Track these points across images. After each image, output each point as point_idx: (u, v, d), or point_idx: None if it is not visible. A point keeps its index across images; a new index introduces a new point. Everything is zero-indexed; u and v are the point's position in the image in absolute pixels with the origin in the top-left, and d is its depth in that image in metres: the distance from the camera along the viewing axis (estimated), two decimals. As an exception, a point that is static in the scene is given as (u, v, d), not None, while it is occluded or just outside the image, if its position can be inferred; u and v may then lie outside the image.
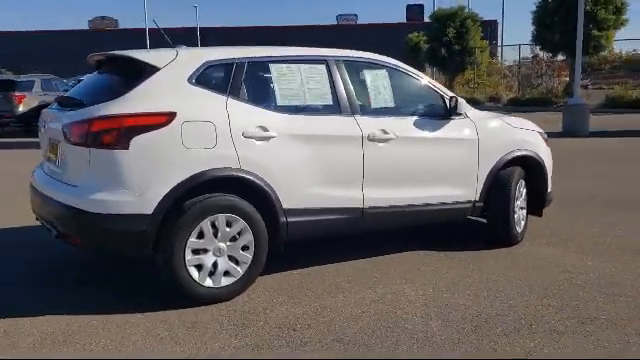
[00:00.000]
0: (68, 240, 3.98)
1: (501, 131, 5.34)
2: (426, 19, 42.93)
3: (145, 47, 40.80)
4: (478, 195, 5.17)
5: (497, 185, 5.21)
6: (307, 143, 4.26)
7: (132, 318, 3.78)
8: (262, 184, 4.06)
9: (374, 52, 5.03)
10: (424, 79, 5.08)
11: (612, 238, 5.59)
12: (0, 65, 43.72)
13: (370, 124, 4.57)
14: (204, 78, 4.07)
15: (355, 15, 68.22)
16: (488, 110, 5.76)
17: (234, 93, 4.11)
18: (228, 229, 3.98)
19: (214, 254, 3.96)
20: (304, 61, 4.49)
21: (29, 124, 17.54)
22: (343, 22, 66.48)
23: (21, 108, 17.28)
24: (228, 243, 4.01)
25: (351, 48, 4.94)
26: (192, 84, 4.01)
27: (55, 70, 25.38)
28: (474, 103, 13.85)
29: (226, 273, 4.02)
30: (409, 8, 66.12)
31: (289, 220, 4.22)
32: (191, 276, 3.88)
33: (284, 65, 4.37)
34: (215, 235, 3.95)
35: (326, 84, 4.48)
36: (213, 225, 3.93)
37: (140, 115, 3.74)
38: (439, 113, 4.96)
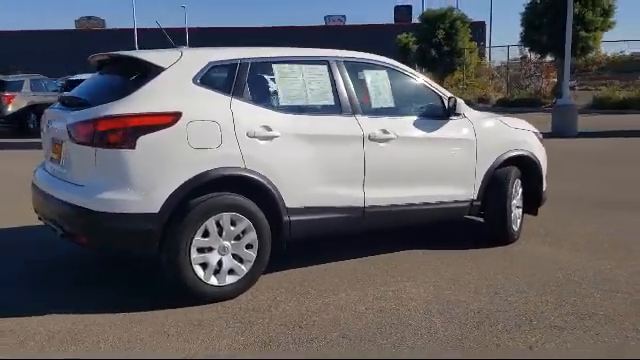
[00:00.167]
0: (73, 239, 4.00)
1: (498, 131, 5.42)
2: (414, 20, 43.14)
3: (133, 47, 40.67)
4: (476, 194, 5.25)
5: (494, 184, 5.30)
6: (309, 143, 4.32)
7: (137, 316, 3.81)
8: (266, 183, 4.11)
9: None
10: (423, 80, 5.15)
11: (605, 237, 5.69)
12: (-13, 65, 43.39)
13: (371, 124, 4.63)
14: (208, 78, 4.11)
15: (343, 16, 68.39)
16: (479, 110, 5.86)
17: (238, 93, 4.16)
18: (232, 228, 4.03)
19: (219, 252, 4.01)
20: (306, 62, 4.54)
21: (19, 124, 17.46)
22: (331, 23, 66.61)
23: (10, 108, 17.19)
24: (232, 242, 4.05)
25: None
26: (197, 84, 4.05)
27: (43, 70, 25.25)
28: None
29: (230, 271, 4.06)
30: (397, 9, 66.46)
31: (292, 219, 4.27)
32: (196, 274, 3.92)
33: (286, 65, 4.42)
34: (220, 234, 3.99)
35: (328, 84, 4.54)
36: (218, 224, 3.97)
37: (146, 115, 3.77)
38: (438, 113, 5.04)
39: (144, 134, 3.74)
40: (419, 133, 4.89)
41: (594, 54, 25.28)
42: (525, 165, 5.58)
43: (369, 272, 4.68)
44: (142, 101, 3.85)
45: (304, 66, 4.49)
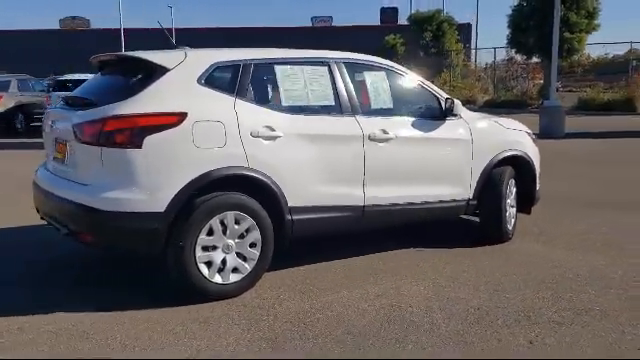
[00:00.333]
0: (78, 238, 4.04)
1: (493, 131, 5.53)
2: (400, 22, 43.32)
3: (120, 47, 40.44)
4: (471, 194, 5.35)
5: (489, 184, 5.40)
6: (311, 143, 4.38)
7: (142, 315, 3.84)
8: (269, 182, 4.17)
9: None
10: (421, 81, 5.24)
11: (597, 235, 5.82)
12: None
13: (370, 124, 4.70)
14: (212, 79, 4.16)
15: (330, 17, 68.41)
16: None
17: (241, 94, 4.21)
18: (236, 226, 4.08)
19: (223, 251, 4.06)
20: (307, 63, 4.61)
21: (6, 124, 17.34)
22: (318, 24, 66.61)
23: (-2, 108, 17.09)
24: (236, 240, 4.10)
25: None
26: (201, 85, 4.10)
27: (28, 70, 25.05)
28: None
29: (234, 269, 4.11)
30: (383, 11, 66.58)
31: (294, 218, 4.33)
32: (201, 273, 3.97)
33: (288, 67, 4.49)
34: (224, 232, 4.04)
35: (328, 85, 4.61)
36: (222, 223, 4.02)
37: (153, 115, 3.82)
38: (435, 114, 5.13)
39: (150, 134, 3.79)
40: (417, 133, 4.98)
41: (579, 56, 25.58)
42: (519, 165, 5.69)
43: (369, 270, 4.76)
44: (148, 101, 3.89)
45: (305, 67, 4.56)
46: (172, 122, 3.85)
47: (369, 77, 4.93)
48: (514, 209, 5.73)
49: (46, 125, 4.57)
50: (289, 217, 4.30)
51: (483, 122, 5.52)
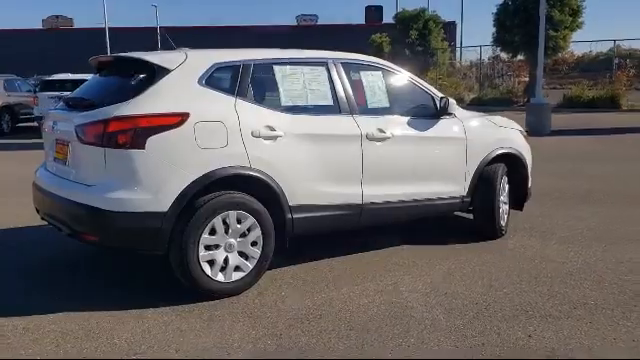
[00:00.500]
0: (81, 238, 4.07)
1: (486, 130, 5.62)
2: (385, 20, 43.41)
3: (105, 46, 40.18)
4: (466, 191, 5.44)
5: (483, 181, 5.49)
6: (310, 142, 4.44)
7: (146, 313, 3.88)
8: (270, 182, 4.22)
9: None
10: (416, 80, 5.31)
11: (588, 230, 5.94)
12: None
13: (368, 123, 4.77)
14: (213, 80, 4.20)
15: (315, 16, 68.36)
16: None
17: (242, 94, 4.26)
18: (238, 225, 4.13)
19: (225, 250, 4.11)
20: (306, 63, 4.67)
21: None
22: (303, 23, 66.53)
23: (-16, 109, 16.96)
24: (238, 239, 4.15)
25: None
26: (202, 85, 4.14)
27: (11, 70, 24.83)
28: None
29: (236, 268, 4.16)
30: (368, 9, 66.63)
31: (294, 216, 4.39)
32: (204, 271, 4.01)
33: (287, 67, 4.54)
34: (226, 231, 4.09)
35: (327, 85, 4.67)
36: (224, 222, 4.07)
37: (155, 116, 3.86)
38: (431, 113, 5.21)
39: (153, 134, 3.83)
40: (413, 132, 5.06)
41: (564, 54, 25.85)
42: (512, 162, 5.79)
43: (367, 267, 4.83)
44: (150, 102, 3.93)
45: (304, 67, 4.62)
46: (174, 123, 3.89)
47: (366, 77, 5.00)
48: (507, 206, 5.83)
49: (46, 126, 4.59)
50: (289, 216, 4.36)
51: (477, 120, 5.61)
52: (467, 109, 6.17)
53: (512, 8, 24.25)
